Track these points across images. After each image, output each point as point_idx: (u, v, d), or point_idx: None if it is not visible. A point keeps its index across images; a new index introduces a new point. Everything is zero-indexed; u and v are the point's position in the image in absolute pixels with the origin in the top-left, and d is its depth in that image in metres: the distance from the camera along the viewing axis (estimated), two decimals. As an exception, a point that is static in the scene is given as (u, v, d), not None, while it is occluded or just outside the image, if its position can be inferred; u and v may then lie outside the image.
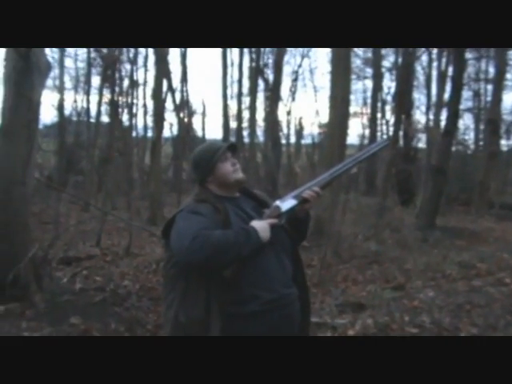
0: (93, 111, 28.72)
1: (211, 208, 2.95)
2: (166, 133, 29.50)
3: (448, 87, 19.19)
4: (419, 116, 30.63)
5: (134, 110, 31.88)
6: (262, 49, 26.80)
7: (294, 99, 34.57)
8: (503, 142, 30.82)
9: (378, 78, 33.53)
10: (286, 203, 3.11)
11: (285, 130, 34.17)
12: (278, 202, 3.10)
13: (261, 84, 28.65)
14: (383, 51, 30.40)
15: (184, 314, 2.85)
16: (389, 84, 34.73)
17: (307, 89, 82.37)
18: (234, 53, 29.59)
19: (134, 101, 31.96)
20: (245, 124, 27.54)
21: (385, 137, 35.27)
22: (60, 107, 25.34)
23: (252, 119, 25.91)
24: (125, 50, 25.25)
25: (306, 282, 3.30)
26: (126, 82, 29.51)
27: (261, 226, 2.90)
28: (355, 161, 3.30)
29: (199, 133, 37.28)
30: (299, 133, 36.82)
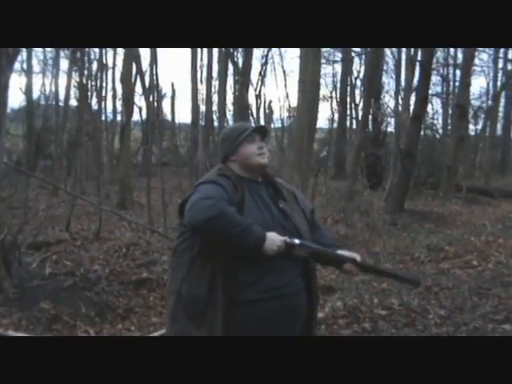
0: (61, 95, 28.42)
1: (231, 184, 2.91)
2: (136, 117, 29.39)
3: (417, 72, 19.29)
4: (388, 100, 30.73)
5: (103, 94, 31.70)
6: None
7: (263, 83, 34.59)
8: (471, 126, 31.27)
9: (347, 63, 33.64)
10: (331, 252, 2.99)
11: (254, 114, 34.17)
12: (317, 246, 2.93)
13: (230, 68, 28.63)
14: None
15: (186, 289, 2.84)
16: (358, 68, 34.80)
17: (277, 73, 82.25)
18: (203, 36, 29.44)
19: (103, 84, 31.79)
20: (214, 108, 27.49)
21: (354, 121, 35.40)
22: (28, 91, 25.00)
23: (221, 103, 25.89)
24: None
25: (315, 276, 3.19)
26: (94, 66, 29.30)
27: (273, 240, 2.77)
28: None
29: (169, 116, 37.13)
30: (269, 117, 36.79)
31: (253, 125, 3.19)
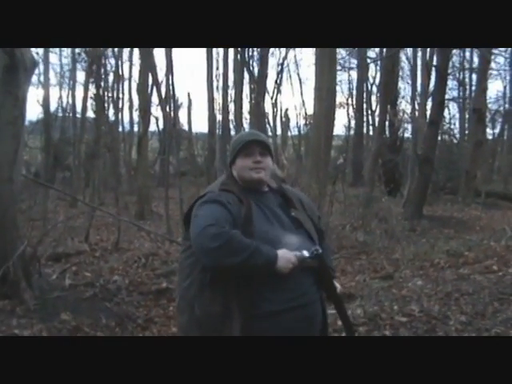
0: (78, 107, 28.63)
1: (235, 199, 2.85)
2: (153, 127, 29.50)
3: (433, 77, 19.25)
4: (405, 106, 30.67)
5: (120, 105, 31.86)
6: (247, 41, 26.67)
7: (279, 91, 34.65)
8: (488, 130, 31.09)
9: (363, 69, 33.63)
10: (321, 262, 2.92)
11: (271, 122, 34.23)
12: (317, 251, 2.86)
13: (246, 76, 28.69)
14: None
15: (200, 308, 2.79)
16: (374, 74, 34.81)
17: (293, 80, 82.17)
18: (218, 46, 29.53)
19: (120, 95, 31.96)
20: (231, 117, 27.54)
21: (371, 127, 35.35)
22: (45, 103, 25.18)
23: (238, 112, 25.88)
24: (109, 44, 25.16)
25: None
26: (111, 77, 29.48)
27: (287, 258, 2.73)
28: None
29: (185, 126, 37.31)
30: (285, 124, 36.88)
31: (257, 137, 3.07)
